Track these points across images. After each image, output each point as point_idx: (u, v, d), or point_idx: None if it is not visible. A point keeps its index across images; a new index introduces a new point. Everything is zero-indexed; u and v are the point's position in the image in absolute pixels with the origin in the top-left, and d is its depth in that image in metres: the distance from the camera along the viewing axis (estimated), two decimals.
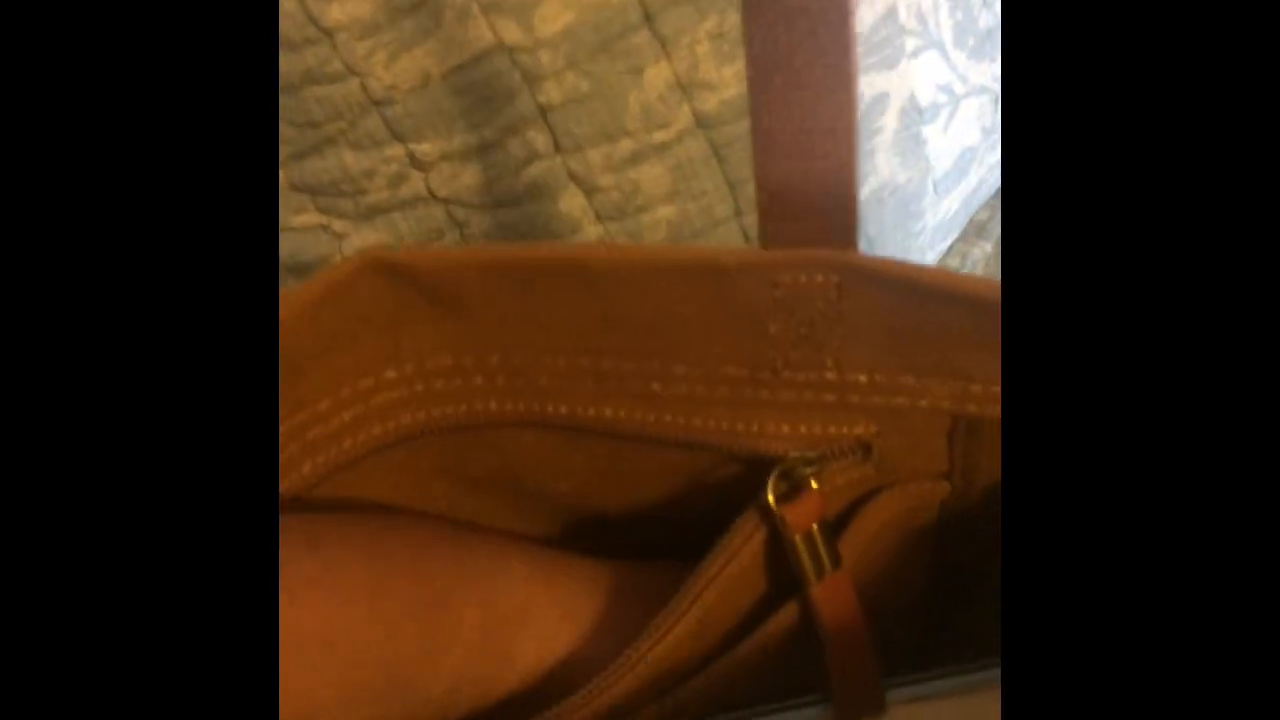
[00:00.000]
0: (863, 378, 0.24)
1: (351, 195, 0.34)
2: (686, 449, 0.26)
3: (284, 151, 0.33)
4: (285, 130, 0.33)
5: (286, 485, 0.26)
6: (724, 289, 0.22)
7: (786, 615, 0.26)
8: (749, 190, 0.36)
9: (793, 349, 0.23)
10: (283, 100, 0.32)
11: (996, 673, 0.25)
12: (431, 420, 0.26)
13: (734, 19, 0.33)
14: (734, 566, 0.25)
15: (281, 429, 0.25)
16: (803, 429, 0.24)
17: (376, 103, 0.32)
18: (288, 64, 0.31)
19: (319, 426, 0.26)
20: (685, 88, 0.33)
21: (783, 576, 0.27)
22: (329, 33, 0.30)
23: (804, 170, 0.20)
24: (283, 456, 0.26)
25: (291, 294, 0.24)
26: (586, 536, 0.32)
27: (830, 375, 0.24)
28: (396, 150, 0.33)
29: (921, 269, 0.21)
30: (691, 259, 0.22)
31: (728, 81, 0.33)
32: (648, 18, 0.32)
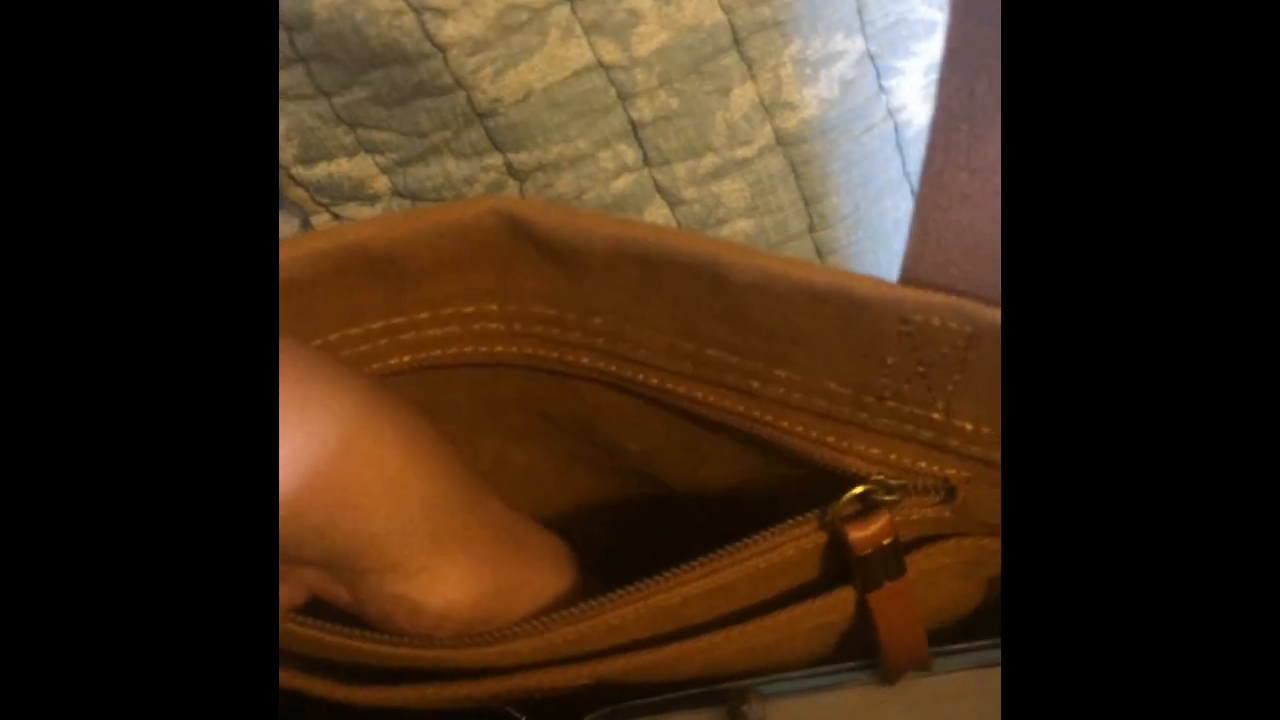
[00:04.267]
0: (969, 426, 0.23)
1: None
2: (768, 446, 0.27)
3: (390, 159, 0.36)
4: (395, 139, 0.35)
5: (377, 368, 0.28)
6: (851, 314, 0.22)
7: (836, 606, 0.26)
8: (822, 207, 0.38)
9: (906, 383, 0.23)
10: (395, 111, 0.34)
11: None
12: (523, 355, 0.27)
13: (815, 44, 0.35)
14: (770, 558, 0.25)
15: (377, 325, 0.27)
16: (892, 456, 0.24)
17: (481, 114, 0.34)
18: (402, 77, 0.33)
19: (413, 332, 0.27)
20: (768, 107, 0.35)
21: (832, 576, 0.27)
22: (442, 48, 0.33)
23: (965, 219, 0.21)
24: (374, 346, 0.27)
25: (418, 214, 0.24)
26: (645, 501, 0.33)
27: (937, 416, 0.23)
28: (496, 160, 0.35)
29: None
30: (826, 283, 0.22)
31: (808, 102, 0.36)
32: (736, 41, 0.34)
